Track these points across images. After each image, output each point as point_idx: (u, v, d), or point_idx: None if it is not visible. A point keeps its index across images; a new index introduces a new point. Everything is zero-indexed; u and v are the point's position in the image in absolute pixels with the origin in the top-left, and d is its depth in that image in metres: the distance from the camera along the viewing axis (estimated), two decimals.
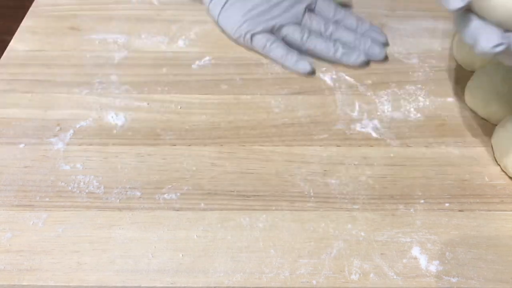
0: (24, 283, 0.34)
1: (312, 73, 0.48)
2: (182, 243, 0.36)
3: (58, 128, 0.44)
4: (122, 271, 0.35)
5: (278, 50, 0.49)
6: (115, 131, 0.44)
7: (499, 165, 0.41)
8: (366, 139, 0.43)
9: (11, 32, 0.54)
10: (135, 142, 0.43)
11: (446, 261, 0.35)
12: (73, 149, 0.42)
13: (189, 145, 0.43)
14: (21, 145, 0.43)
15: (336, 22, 0.51)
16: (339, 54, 0.48)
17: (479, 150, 0.42)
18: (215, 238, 0.36)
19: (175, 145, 0.43)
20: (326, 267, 0.35)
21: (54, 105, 0.46)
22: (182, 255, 0.35)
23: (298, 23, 0.50)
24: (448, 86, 0.48)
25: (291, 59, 0.48)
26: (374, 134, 0.44)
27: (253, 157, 0.42)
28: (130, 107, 0.46)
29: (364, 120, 0.45)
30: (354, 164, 0.41)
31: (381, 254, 0.35)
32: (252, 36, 0.49)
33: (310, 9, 0.51)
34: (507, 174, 0.40)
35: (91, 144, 0.43)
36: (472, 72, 0.49)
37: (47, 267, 0.35)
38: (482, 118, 0.45)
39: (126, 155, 0.42)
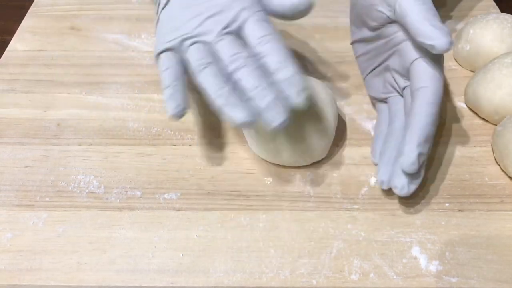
0: (24, 283, 0.34)
1: (176, 118, 0.36)
2: (182, 243, 0.36)
3: (58, 128, 0.44)
4: (122, 271, 0.35)
5: (164, 80, 0.37)
6: (115, 131, 0.44)
7: (499, 165, 0.41)
8: (366, 139, 0.43)
9: (11, 32, 0.54)
10: (135, 142, 0.43)
11: (446, 261, 0.35)
12: (73, 149, 0.42)
13: (189, 145, 0.43)
14: (21, 145, 0.43)
15: (253, 56, 0.36)
16: (220, 101, 0.35)
17: (479, 150, 0.42)
18: (215, 238, 0.36)
19: (175, 145, 0.43)
20: (326, 267, 0.35)
21: (54, 105, 0.46)
22: (182, 255, 0.35)
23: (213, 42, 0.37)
24: (448, 86, 0.48)
25: (166, 93, 0.37)
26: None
27: (253, 157, 0.42)
28: (130, 107, 0.46)
29: (364, 120, 0.45)
30: (354, 164, 0.41)
31: (381, 254, 0.35)
32: (157, 57, 0.39)
33: (231, 30, 0.37)
34: (507, 174, 0.40)
35: (91, 144, 0.43)
36: (472, 72, 0.49)
37: (47, 267, 0.35)
38: (482, 118, 0.45)
39: (126, 155, 0.42)
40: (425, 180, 0.40)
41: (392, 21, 0.40)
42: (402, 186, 0.36)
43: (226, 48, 0.37)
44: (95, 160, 0.42)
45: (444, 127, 0.44)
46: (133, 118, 0.45)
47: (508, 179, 0.40)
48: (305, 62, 0.51)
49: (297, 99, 0.34)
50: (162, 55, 0.38)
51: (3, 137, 0.44)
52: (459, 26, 0.52)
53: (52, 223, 0.37)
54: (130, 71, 0.50)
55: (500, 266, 0.35)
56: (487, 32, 0.47)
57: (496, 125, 0.43)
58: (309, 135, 0.39)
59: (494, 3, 0.57)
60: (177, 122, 0.45)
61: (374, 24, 0.41)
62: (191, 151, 0.42)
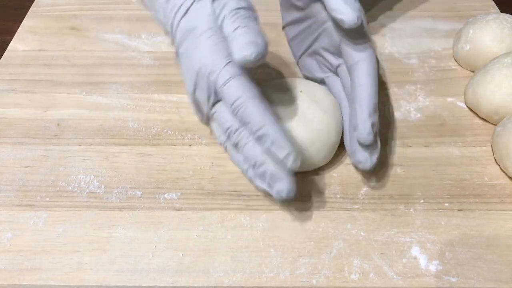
0: (24, 283, 0.34)
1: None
2: (182, 242, 0.36)
3: (58, 128, 0.44)
4: (122, 271, 0.35)
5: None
6: (115, 131, 0.44)
7: (499, 165, 0.41)
8: None
9: (11, 32, 0.54)
10: (135, 142, 0.43)
11: (446, 261, 0.35)
12: (73, 149, 0.42)
13: (189, 145, 0.43)
14: (21, 145, 0.43)
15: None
16: (251, 173, 0.37)
17: (479, 150, 0.42)
18: (215, 237, 0.36)
19: (175, 145, 0.43)
20: (326, 266, 0.35)
21: (54, 105, 0.46)
22: (182, 254, 0.35)
23: None
24: (448, 86, 0.48)
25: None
26: None
27: None
28: (130, 107, 0.46)
29: None
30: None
31: (381, 254, 0.35)
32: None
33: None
34: (507, 174, 0.40)
35: (91, 144, 0.43)
36: (472, 72, 0.49)
37: (47, 267, 0.35)
38: (482, 118, 0.45)
39: (127, 155, 0.42)
40: (425, 180, 0.40)
41: (315, 0, 0.41)
42: (365, 159, 0.37)
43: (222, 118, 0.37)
44: (95, 160, 0.42)
45: (444, 127, 0.44)
46: (133, 118, 0.45)
47: (508, 179, 0.40)
48: None
49: (288, 162, 0.34)
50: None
51: (3, 137, 0.44)
52: (459, 26, 0.52)
53: (52, 223, 0.37)
54: (130, 71, 0.50)
55: (500, 266, 0.35)
56: (487, 32, 0.47)
57: (496, 125, 0.43)
58: (313, 142, 0.39)
59: (494, 3, 0.57)
60: (177, 122, 0.45)
61: (299, 3, 0.42)
62: (191, 151, 0.42)
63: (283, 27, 0.46)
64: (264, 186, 0.36)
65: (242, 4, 0.36)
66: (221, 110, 0.37)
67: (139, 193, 0.39)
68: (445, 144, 0.43)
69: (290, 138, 0.35)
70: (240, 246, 0.36)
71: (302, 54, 0.45)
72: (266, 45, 0.34)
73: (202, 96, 0.38)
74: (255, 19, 0.36)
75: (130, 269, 0.35)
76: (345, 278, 0.34)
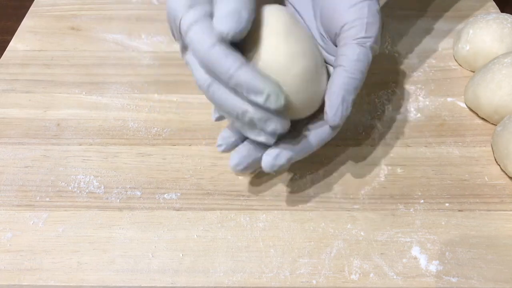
0: (24, 283, 0.34)
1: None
2: (182, 243, 0.36)
3: (58, 128, 0.44)
4: (122, 271, 0.35)
5: None
6: (115, 131, 0.44)
7: (499, 165, 0.41)
8: (366, 139, 0.43)
9: (11, 32, 0.54)
10: (135, 142, 0.43)
11: (446, 261, 0.35)
12: (73, 149, 0.42)
13: (189, 145, 0.43)
14: (21, 145, 0.43)
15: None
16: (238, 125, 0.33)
17: (479, 150, 0.42)
18: (215, 238, 0.36)
19: (175, 145, 0.43)
20: (326, 267, 0.35)
21: (54, 105, 0.46)
22: (182, 255, 0.35)
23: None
24: (448, 86, 0.48)
25: None
26: (374, 134, 0.44)
27: None
28: (130, 107, 0.46)
29: (364, 120, 0.45)
30: (354, 164, 0.41)
31: (381, 254, 0.35)
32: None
33: None
34: (506, 174, 0.40)
35: (91, 144, 0.43)
36: (472, 72, 0.49)
37: (47, 267, 0.35)
38: (482, 118, 0.45)
39: (126, 155, 0.42)
40: (425, 180, 0.40)
41: None
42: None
43: None
44: (95, 160, 0.42)
45: (444, 127, 0.44)
46: (133, 118, 0.45)
47: (508, 179, 0.40)
48: None
49: (271, 105, 0.30)
50: None
51: (3, 137, 0.44)
52: (459, 26, 0.52)
53: (52, 223, 0.37)
54: (130, 71, 0.50)
55: (500, 266, 0.35)
56: (487, 32, 0.47)
57: (496, 125, 0.43)
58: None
59: (494, 3, 0.57)
60: (177, 122, 0.45)
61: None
62: (191, 151, 0.42)
63: None
64: (255, 136, 0.32)
65: None
66: (192, 61, 0.32)
67: (139, 193, 0.39)
68: (445, 144, 0.43)
69: (264, 77, 0.29)
70: (240, 246, 0.36)
71: None
72: (248, 21, 0.29)
73: (177, 41, 0.33)
74: None
75: (130, 269, 0.35)
76: (345, 278, 0.34)
